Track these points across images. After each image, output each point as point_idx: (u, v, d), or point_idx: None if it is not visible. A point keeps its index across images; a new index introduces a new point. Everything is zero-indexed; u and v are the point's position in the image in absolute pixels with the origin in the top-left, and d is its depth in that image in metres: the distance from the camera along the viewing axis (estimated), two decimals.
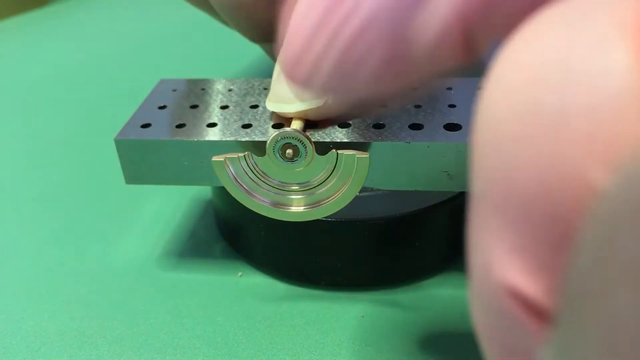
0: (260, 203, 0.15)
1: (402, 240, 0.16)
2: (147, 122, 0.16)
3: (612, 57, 0.06)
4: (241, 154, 0.14)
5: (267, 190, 0.15)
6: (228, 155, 0.14)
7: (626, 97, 0.06)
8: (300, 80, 0.10)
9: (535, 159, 0.07)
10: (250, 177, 0.15)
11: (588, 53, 0.07)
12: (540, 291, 0.07)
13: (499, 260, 0.07)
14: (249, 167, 0.15)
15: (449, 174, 0.14)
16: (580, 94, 0.06)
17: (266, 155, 0.14)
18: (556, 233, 0.07)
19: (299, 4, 0.10)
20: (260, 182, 0.15)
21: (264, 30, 0.18)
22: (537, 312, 0.07)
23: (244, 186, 0.15)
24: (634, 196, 0.06)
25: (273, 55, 0.20)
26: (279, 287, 0.17)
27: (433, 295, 0.16)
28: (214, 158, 0.15)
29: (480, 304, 0.08)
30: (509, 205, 0.07)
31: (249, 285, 0.17)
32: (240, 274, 0.17)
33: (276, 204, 0.15)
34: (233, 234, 0.18)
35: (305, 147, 0.14)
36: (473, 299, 0.08)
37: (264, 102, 0.16)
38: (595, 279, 0.06)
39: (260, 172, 0.15)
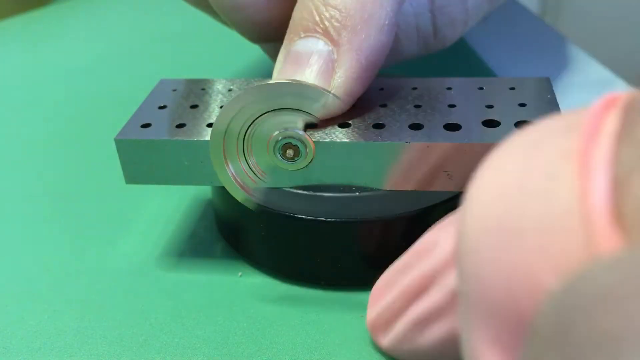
0: (257, 201, 0.15)
1: (401, 241, 0.16)
2: (147, 122, 0.16)
3: (558, 183, 0.08)
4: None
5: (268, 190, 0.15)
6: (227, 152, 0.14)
7: (570, 214, 0.07)
8: (378, 331, 0.14)
9: (499, 266, 0.08)
10: (249, 177, 0.15)
11: (539, 177, 0.08)
12: None
13: (479, 351, 0.08)
14: (248, 166, 0.15)
15: (449, 174, 0.14)
16: (534, 213, 0.08)
17: (266, 155, 0.14)
18: (521, 328, 0.08)
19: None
20: (259, 182, 0.15)
21: (264, 30, 0.18)
22: None
23: (245, 186, 0.15)
24: (576, 298, 0.07)
25: (272, 56, 0.20)
26: (279, 287, 0.17)
27: None
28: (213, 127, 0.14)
29: None
30: (483, 306, 0.08)
31: (249, 285, 0.17)
32: (240, 274, 0.17)
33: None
34: (233, 234, 0.18)
35: (306, 147, 0.14)
36: None
37: None
38: None
39: (259, 171, 0.15)
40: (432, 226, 0.13)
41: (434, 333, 0.12)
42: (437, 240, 0.12)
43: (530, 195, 0.08)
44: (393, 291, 0.13)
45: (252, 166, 0.15)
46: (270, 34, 0.18)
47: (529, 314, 0.07)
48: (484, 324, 0.08)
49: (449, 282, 0.11)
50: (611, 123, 0.08)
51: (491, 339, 0.08)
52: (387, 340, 0.14)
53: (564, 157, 0.08)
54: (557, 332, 0.06)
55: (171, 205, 0.20)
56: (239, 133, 0.14)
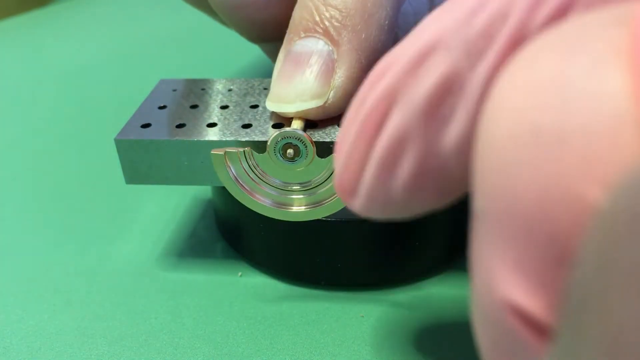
0: (261, 203, 0.15)
1: (402, 240, 0.16)
2: (147, 122, 0.16)
3: (607, 81, 0.07)
4: (241, 149, 0.14)
5: (269, 190, 0.15)
6: (227, 149, 0.14)
7: (621, 119, 0.06)
8: (347, 191, 0.11)
9: (534, 179, 0.07)
10: (251, 178, 0.15)
11: (584, 77, 0.07)
12: (541, 308, 0.07)
13: (501, 278, 0.07)
14: (249, 167, 0.15)
15: None
16: (577, 117, 0.07)
17: (267, 156, 0.14)
18: (556, 251, 0.07)
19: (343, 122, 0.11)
20: (261, 183, 0.15)
21: (263, 30, 0.18)
22: (538, 328, 0.07)
23: (245, 187, 0.15)
24: (628, 213, 0.06)
25: (272, 56, 0.20)
26: (279, 287, 0.17)
27: (433, 295, 0.16)
28: (213, 151, 0.14)
29: (483, 319, 0.08)
30: (510, 223, 0.07)
31: (249, 285, 0.17)
32: (240, 274, 0.17)
33: (277, 204, 0.15)
34: (233, 234, 0.18)
35: (306, 147, 0.14)
36: (475, 314, 0.08)
37: (264, 102, 0.16)
38: (594, 294, 0.06)
39: (261, 173, 0.15)
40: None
41: (406, 167, 0.10)
42: (395, 59, 0.10)
43: (573, 97, 0.07)
44: (351, 133, 0.10)
45: (252, 167, 0.15)
46: (270, 33, 0.18)
47: (567, 232, 0.07)
48: (509, 248, 0.07)
49: (411, 96, 0.09)
50: None
51: (516, 264, 0.07)
52: (359, 199, 0.11)
53: (613, 52, 0.07)
54: (608, 257, 0.06)
55: (171, 205, 0.20)
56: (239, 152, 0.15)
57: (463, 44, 0.09)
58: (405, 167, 0.10)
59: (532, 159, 0.07)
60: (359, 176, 0.11)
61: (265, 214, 0.15)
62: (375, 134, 0.10)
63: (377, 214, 0.11)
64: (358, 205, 0.11)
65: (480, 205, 0.08)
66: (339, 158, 0.11)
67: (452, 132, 0.09)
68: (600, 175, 0.06)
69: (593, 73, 0.07)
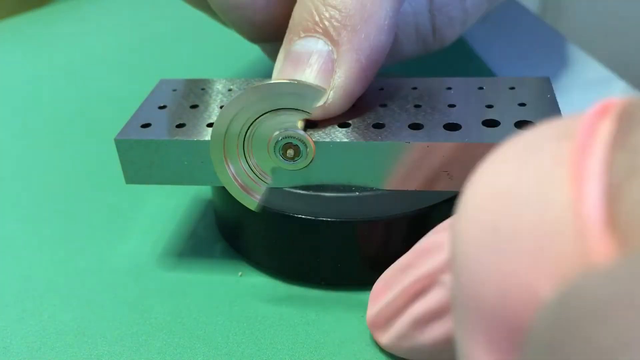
0: (257, 202, 0.15)
1: (402, 240, 0.16)
2: (147, 122, 0.16)
3: (553, 186, 0.08)
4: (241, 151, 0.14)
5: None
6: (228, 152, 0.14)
7: (563, 222, 0.07)
8: (378, 328, 0.14)
9: (493, 272, 0.08)
10: (250, 178, 0.15)
11: (533, 183, 0.08)
12: None
13: (474, 354, 0.08)
14: (250, 167, 0.15)
15: (449, 174, 0.14)
16: (527, 220, 0.08)
17: (267, 155, 0.14)
18: (514, 334, 0.08)
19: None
20: (259, 182, 0.15)
21: (263, 30, 0.18)
22: None
23: (245, 187, 0.15)
24: (570, 310, 0.06)
25: (272, 56, 0.20)
26: (279, 287, 0.17)
27: None
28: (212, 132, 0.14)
29: None
30: (477, 311, 0.08)
31: (249, 285, 0.17)
32: (240, 274, 0.17)
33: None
34: (233, 234, 0.18)
35: (307, 147, 0.14)
36: None
37: None
38: None
39: (261, 173, 0.15)
40: (435, 227, 0.13)
41: (434, 332, 0.12)
42: (440, 241, 0.12)
43: (524, 201, 0.08)
44: (394, 290, 0.13)
45: (252, 167, 0.15)
46: (269, 33, 0.18)
47: (522, 320, 0.07)
48: (477, 329, 0.08)
49: (450, 282, 0.11)
50: (605, 130, 0.08)
51: (485, 343, 0.08)
52: (386, 337, 0.14)
53: (558, 163, 0.08)
54: (551, 344, 0.06)
55: (171, 205, 0.20)
56: (239, 134, 0.14)
57: None
58: (435, 330, 0.12)
59: (491, 254, 0.08)
60: (392, 322, 0.13)
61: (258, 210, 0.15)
62: (414, 297, 0.13)
63: (400, 353, 0.14)
64: (385, 340, 0.14)
65: (454, 291, 0.09)
66: (376, 303, 0.14)
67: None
68: (548, 270, 0.07)
69: (541, 180, 0.08)
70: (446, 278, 0.12)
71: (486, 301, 0.08)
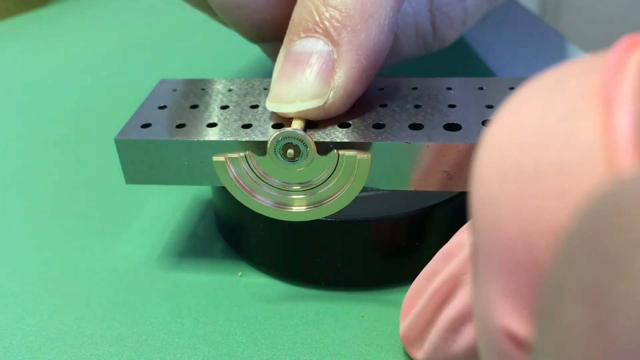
0: (261, 204, 0.15)
1: (402, 240, 0.16)
2: (147, 122, 0.16)
3: (579, 123, 0.07)
4: (242, 153, 0.14)
5: (269, 190, 0.15)
6: (229, 155, 0.14)
7: (592, 152, 0.07)
8: (412, 344, 0.14)
9: (517, 212, 0.08)
10: (251, 178, 0.15)
11: (560, 120, 0.08)
12: (529, 331, 0.08)
13: (495, 305, 0.08)
14: (250, 167, 0.15)
15: (449, 174, 0.14)
16: (554, 154, 0.07)
17: (267, 156, 0.14)
18: (538, 277, 0.07)
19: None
20: (261, 183, 0.15)
21: (263, 30, 0.18)
22: (528, 349, 0.08)
23: (246, 187, 0.15)
24: (586, 224, 0.06)
25: (272, 56, 0.20)
26: (279, 287, 0.17)
27: None
28: (215, 158, 0.15)
29: (484, 343, 0.09)
30: (500, 255, 0.08)
31: (249, 285, 0.17)
32: (240, 274, 0.17)
33: (278, 205, 0.15)
34: (233, 234, 0.18)
35: (307, 147, 0.14)
36: (478, 337, 0.09)
37: (264, 102, 0.16)
38: (555, 302, 0.07)
39: (261, 173, 0.15)
40: (460, 230, 0.13)
41: (467, 336, 0.12)
42: (461, 243, 0.12)
43: (550, 137, 0.07)
44: (422, 300, 0.13)
45: (253, 168, 0.15)
46: (270, 33, 0.18)
47: (545, 259, 0.07)
48: (498, 276, 0.08)
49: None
50: (634, 61, 0.07)
51: (506, 291, 0.08)
52: (421, 352, 0.13)
53: (585, 96, 0.07)
54: (589, 238, 0.06)
55: (171, 205, 0.20)
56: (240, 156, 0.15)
57: None
58: (467, 335, 0.12)
59: (514, 192, 0.08)
60: (425, 334, 0.13)
61: (267, 215, 0.15)
62: (442, 304, 0.12)
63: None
64: (421, 356, 0.13)
65: (474, 239, 0.09)
66: (407, 317, 0.13)
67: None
68: (572, 204, 0.07)
69: (567, 117, 0.08)
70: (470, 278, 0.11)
71: (509, 243, 0.08)
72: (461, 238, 0.12)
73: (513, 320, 0.08)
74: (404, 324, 0.14)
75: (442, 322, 0.12)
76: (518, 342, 0.08)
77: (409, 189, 0.15)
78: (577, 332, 0.06)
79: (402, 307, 0.14)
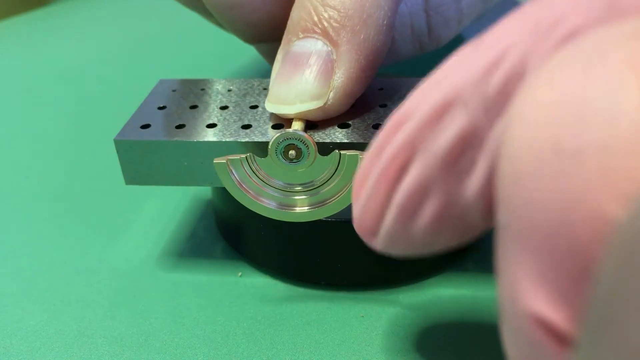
0: (265, 206, 0.15)
1: None
2: (146, 122, 0.16)
3: (623, 96, 0.07)
4: (243, 155, 0.14)
5: (272, 192, 0.15)
6: (230, 158, 0.14)
7: (638, 134, 0.06)
8: (367, 231, 0.12)
9: (555, 194, 0.07)
10: (254, 181, 0.15)
11: (602, 93, 0.07)
12: (563, 319, 0.07)
13: (525, 290, 0.07)
14: (252, 170, 0.15)
15: None
16: (595, 133, 0.07)
17: (268, 157, 0.14)
18: (577, 264, 0.07)
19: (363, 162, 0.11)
20: (264, 185, 0.15)
21: (259, 31, 0.18)
22: (561, 338, 0.07)
23: (249, 190, 0.15)
24: None
25: (267, 56, 0.20)
26: (279, 287, 0.17)
27: (433, 295, 0.16)
28: (216, 160, 0.15)
29: (509, 328, 0.08)
30: (533, 237, 0.07)
31: (249, 285, 0.17)
32: (240, 274, 0.17)
33: (281, 206, 0.15)
34: (233, 234, 0.18)
35: (308, 148, 0.14)
36: (503, 325, 0.08)
37: (264, 102, 0.16)
38: (613, 309, 0.06)
39: (263, 175, 0.15)
40: (413, 93, 0.11)
41: (426, 214, 0.10)
42: (410, 109, 0.10)
43: (591, 113, 0.07)
44: (372, 179, 0.11)
45: (255, 171, 0.15)
46: (266, 34, 0.18)
47: (588, 245, 0.07)
48: (531, 260, 0.07)
49: (433, 147, 0.10)
50: None
51: (539, 276, 0.07)
52: (379, 238, 0.12)
53: (629, 68, 0.07)
54: (626, 268, 0.06)
55: (171, 205, 0.20)
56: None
57: (481, 101, 0.09)
58: (426, 214, 0.10)
59: (552, 173, 0.07)
60: (379, 218, 0.11)
61: (270, 216, 0.15)
62: (395, 181, 0.10)
63: (398, 251, 0.12)
64: (379, 244, 0.12)
65: (503, 219, 0.08)
66: (358, 200, 0.11)
67: (472, 183, 0.09)
68: (618, 190, 0.06)
69: (610, 89, 0.07)
70: (427, 144, 0.10)
71: (544, 226, 0.07)
72: (412, 104, 0.10)
73: (546, 305, 0.07)
74: (355, 209, 0.12)
75: (397, 201, 0.10)
76: (549, 329, 0.07)
77: None
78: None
79: (352, 189, 0.12)
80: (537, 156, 0.07)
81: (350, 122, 0.15)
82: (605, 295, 0.06)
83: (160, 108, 0.16)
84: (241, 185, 0.15)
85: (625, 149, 0.07)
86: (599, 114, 0.07)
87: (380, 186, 0.11)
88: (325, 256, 0.16)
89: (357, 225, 0.12)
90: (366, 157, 0.11)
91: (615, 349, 0.06)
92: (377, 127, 0.15)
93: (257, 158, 0.15)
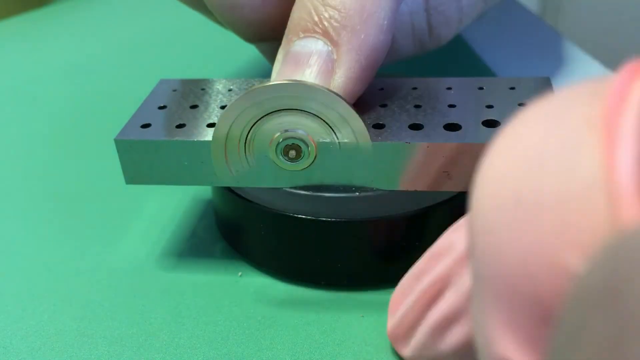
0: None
1: (402, 240, 0.16)
2: (147, 122, 0.16)
3: (580, 152, 0.07)
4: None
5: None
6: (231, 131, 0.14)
7: (594, 188, 0.07)
8: (399, 341, 0.14)
9: (516, 245, 0.07)
10: (241, 163, 0.15)
11: (560, 149, 0.07)
12: None
13: (494, 334, 0.08)
14: (245, 155, 0.15)
15: (448, 174, 0.14)
16: (554, 187, 0.07)
17: (268, 157, 0.14)
18: (540, 311, 0.07)
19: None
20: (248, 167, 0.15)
21: (260, 30, 0.18)
22: None
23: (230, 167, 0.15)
24: (604, 281, 0.06)
25: (268, 55, 0.20)
26: (279, 287, 0.17)
27: None
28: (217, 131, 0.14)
29: None
30: (499, 285, 0.08)
31: (249, 285, 0.17)
32: (240, 274, 0.17)
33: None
34: (233, 234, 0.18)
35: (308, 147, 0.14)
36: None
37: None
38: (572, 355, 0.06)
39: (252, 162, 0.15)
40: (447, 230, 0.13)
41: (454, 337, 0.12)
42: (452, 242, 0.12)
43: (550, 167, 0.07)
44: (410, 298, 0.13)
45: (247, 157, 0.15)
46: (267, 33, 0.18)
47: (548, 294, 0.07)
48: (499, 307, 0.08)
49: (465, 282, 0.11)
50: (636, 92, 0.07)
51: (506, 322, 0.08)
52: (408, 349, 0.13)
53: (587, 126, 0.07)
54: (604, 296, 0.06)
55: (171, 205, 0.20)
56: (240, 136, 0.14)
57: None
58: (454, 335, 0.12)
59: (513, 225, 0.07)
60: (412, 332, 0.13)
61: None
62: (430, 304, 0.12)
63: None
64: (408, 354, 0.13)
65: (474, 269, 0.08)
66: (395, 313, 0.13)
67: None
68: (575, 242, 0.07)
69: (568, 146, 0.07)
70: (461, 278, 0.11)
71: (508, 276, 0.07)
72: (450, 238, 0.12)
73: (514, 350, 0.08)
74: (391, 321, 0.14)
75: (430, 322, 0.12)
76: None
77: (408, 189, 0.15)
78: None
79: (390, 304, 0.14)
80: (500, 207, 0.08)
81: None
82: (562, 343, 0.07)
83: (160, 108, 0.16)
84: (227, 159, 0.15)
85: (581, 203, 0.07)
86: (558, 167, 0.07)
87: (416, 307, 0.13)
88: (325, 256, 0.16)
89: (390, 334, 0.14)
90: (405, 278, 0.13)
91: None
92: (377, 126, 0.15)
93: (257, 158, 0.14)
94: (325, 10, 0.14)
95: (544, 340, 0.07)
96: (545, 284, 0.07)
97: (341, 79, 0.14)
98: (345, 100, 0.14)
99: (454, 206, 0.16)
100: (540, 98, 0.08)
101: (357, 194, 0.16)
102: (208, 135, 0.15)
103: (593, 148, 0.07)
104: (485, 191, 0.08)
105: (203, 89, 0.17)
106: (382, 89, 0.16)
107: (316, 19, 0.14)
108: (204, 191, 0.21)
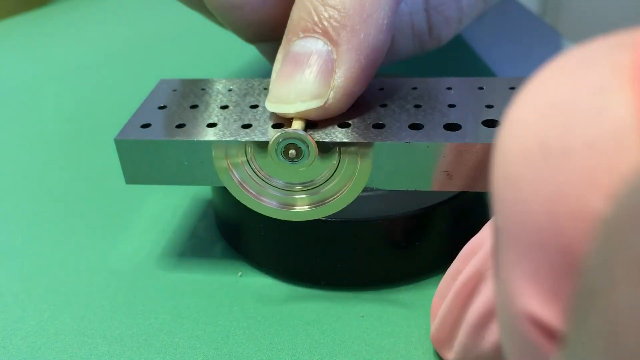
0: (267, 206, 0.15)
1: (402, 240, 0.16)
2: (147, 122, 0.16)
3: (610, 97, 0.07)
4: (244, 158, 0.14)
5: (273, 192, 0.15)
6: (231, 160, 0.15)
7: (622, 132, 0.07)
8: (443, 346, 0.14)
9: (543, 193, 0.07)
10: (255, 181, 0.15)
11: (589, 95, 0.07)
12: (554, 316, 0.07)
13: (517, 289, 0.08)
14: (253, 171, 0.15)
15: (448, 174, 0.14)
16: (582, 132, 0.07)
17: (268, 156, 0.14)
18: (566, 260, 0.07)
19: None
20: (265, 185, 0.15)
21: (260, 30, 0.18)
22: (553, 335, 0.07)
23: (251, 191, 0.15)
24: (631, 214, 0.06)
25: (267, 55, 0.20)
26: (279, 287, 0.17)
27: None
28: (217, 163, 0.15)
29: (506, 328, 0.08)
30: (523, 237, 0.08)
31: (249, 285, 0.17)
32: (240, 274, 0.17)
33: (282, 205, 0.15)
34: (233, 234, 0.18)
35: (308, 147, 0.14)
36: (500, 324, 0.09)
37: (264, 102, 0.16)
38: (598, 295, 0.06)
39: (264, 175, 0.15)
40: (483, 227, 0.13)
41: (494, 334, 0.12)
42: (481, 241, 0.12)
43: (578, 112, 0.07)
44: (447, 299, 0.13)
45: (256, 171, 0.15)
46: (266, 33, 0.18)
47: (573, 242, 0.07)
48: (521, 258, 0.08)
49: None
50: None
51: (530, 276, 0.08)
52: (452, 353, 0.13)
53: (616, 72, 0.07)
54: (609, 260, 0.06)
55: (171, 205, 0.20)
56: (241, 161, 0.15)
57: None
58: (495, 332, 0.12)
59: (540, 172, 0.07)
60: (454, 334, 0.13)
61: (271, 216, 0.15)
62: (467, 301, 0.12)
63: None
64: (452, 358, 0.13)
65: (498, 221, 0.08)
66: (436, 318, 0.14)
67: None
68: (603, 185, 0.07)
69: (597, 91, 0.07)
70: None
71: (533, 224, 0.07)
72: (483, 235, 0.12)
73: (538, 304, 0.07)
74: (433, 326, 0.14)
75: (469, 320, 0.12)
76: (544, 329, 0.07)
77: (408, 189, 0.15)
78: (632, 318, 0.06)
79: (431, 309, 0.14)
80: (525, 156, 0.08)
81: (350, 122, 0.15)
82: (590, 284, 0.07)
83: (160, 108, 0.16)
84: (244, 187, 0.15)
85: (610, 146, 0.07)
86: (585, 114, 0.07)
87: (454, 307, 0.13)
88: (325, 256, 0.16)
89: (433, 339, 0.14)
90: (442, 281, 0.14)
91: (600, 338, 0.06)
92: (377, 126, 0.15)
93: (258, 158, 0.15)
94: (325, 10, 0.14)
95: (566, 294, 0.07)
96: (572, 230, 0.07)
97: (341, 78, 0.14)
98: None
99: (454, 206, 0.16)
100: (567, 50, 0.08)
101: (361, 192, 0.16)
102: (208, 135, 0.15)
103: (623, 92, 0.07)
104: (511, 139, 0.08)
105: (203, 89, 0.17)
106: (382, 89, 0.16)
107: (316, 18, 0.14)
108: (204, 191, 0.21)
